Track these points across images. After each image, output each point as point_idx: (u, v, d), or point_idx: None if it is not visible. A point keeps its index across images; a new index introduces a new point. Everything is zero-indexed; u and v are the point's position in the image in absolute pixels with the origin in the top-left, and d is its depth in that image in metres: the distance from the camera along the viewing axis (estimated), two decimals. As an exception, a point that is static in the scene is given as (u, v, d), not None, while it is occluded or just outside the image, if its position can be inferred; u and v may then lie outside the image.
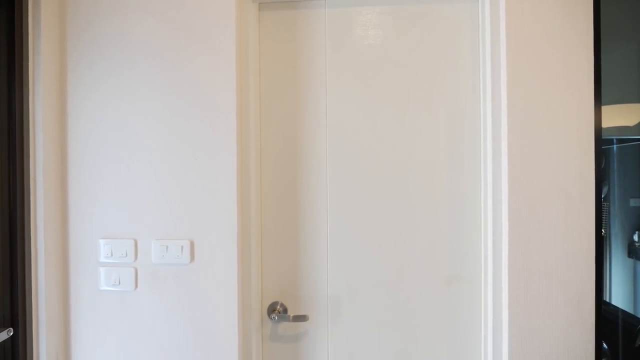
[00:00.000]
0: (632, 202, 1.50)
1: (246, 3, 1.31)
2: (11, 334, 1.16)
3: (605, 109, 1.22)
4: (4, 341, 1.15)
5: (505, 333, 1.19)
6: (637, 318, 1.47)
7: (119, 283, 1.28)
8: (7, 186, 1.19)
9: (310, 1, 1.34)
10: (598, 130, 1.17)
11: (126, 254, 1.28)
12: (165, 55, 1.27)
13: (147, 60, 1.28)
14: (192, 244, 1.26)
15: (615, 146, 1.53)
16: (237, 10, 1.27)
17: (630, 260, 1.51)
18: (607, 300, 1.54)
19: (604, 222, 1.50)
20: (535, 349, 1.17)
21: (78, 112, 1.31)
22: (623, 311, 1.50)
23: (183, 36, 1.27)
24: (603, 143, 1.21)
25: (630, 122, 1.44)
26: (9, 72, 1.19)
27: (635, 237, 1.50)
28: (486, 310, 1.27)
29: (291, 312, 1.34)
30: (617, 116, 1.42)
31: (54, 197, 1.28)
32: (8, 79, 1.19)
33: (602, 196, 1.21)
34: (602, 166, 1.22)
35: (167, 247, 1.26)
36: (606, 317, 1.50)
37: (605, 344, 1.45)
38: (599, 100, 1.17)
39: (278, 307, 1.34)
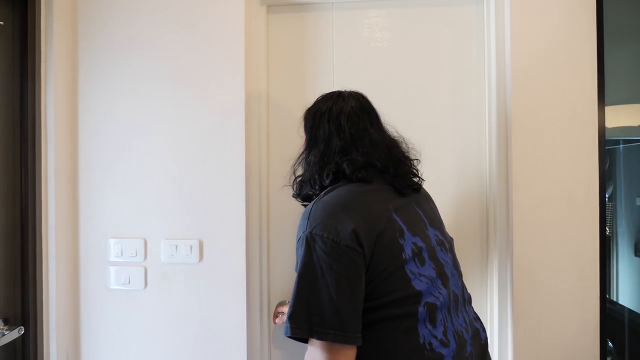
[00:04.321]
0: (639, 202, 1.50)
1: (255, 6, 1.33)
2: (22, 332, 1.16)
3: (610, 110, 1.24)
4: (14, 339, 1.16)
5: (510, 333, 1.20)
6: (644, 317, 1.47)
7: (129, 282, 1.29)
8: (19, 186, 1.21)
9: (318, 4, 1.36)
10: (602, 130, 1.18)
11: (136, 254, 1.29)
12: (175, 58, 1.29)
13: (157, 62, 1.30)
14: (201, 244, 1.28)
15: (621, 146, 1.54)
16: (246, 13, 1.28)
17: (637, 259, 1.51)
18: (614, 299, 1.55)
19: (610, 222, 1.51)
20: (540, 349, 1.18)
21: (89, 113, 1.32)
22: (630, 310, 1.51)
23: (192, 39, 1.29)
24: (609, 143, 1.22)
25: (635, 122, 1.45)
26: (22, 73, 1.21)
27: (642, 236, 1.51)
28: (492, 311, 1.27)
29: (299, 312, 1.35)
30: (622, 116, 1.43)
31: (65, 197, 1.29)
32: (21, 80, 1.21)
33: (608, 196, 1.23)
34: (607, 166, 1.23)
35: (176, 246, 1.28)
36: (612, 316, 1.50)
37: (611, 342, 1.45)
38: (602, 100, 1.19)
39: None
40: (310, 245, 0.77)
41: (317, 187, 0.90)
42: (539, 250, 1.19)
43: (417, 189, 0.96)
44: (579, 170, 1.18)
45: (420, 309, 0.79)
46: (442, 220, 0.99)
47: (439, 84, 1.33)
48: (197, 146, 1.28)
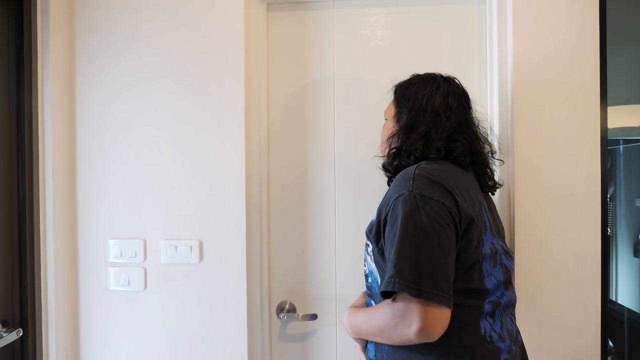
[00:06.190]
0: (638, 202, 1.51)
1: (254, 4, 1.32)
2: (20, 334, 1.16)
3: (611, 110, 1.24)
4: (13, 342, 1.15)
5: (512, 332, 1.20)
6: (643, 316, 1.48)
7: (128, 283, 1.29)
8: (17, 187, 1.19)
9: (319, 2, 1.35)
10: (604, 130, 1.18)
11: (135, 254, 1.28)
12: (174, 56, 1.28)
13: (156, 61, 1.28)
14: (200, 244, 1.27)
15: (621, 147, 1.54)
16: (246, 12, 1.27)
17: (637, 260, 1.52)
18: (614, 299, 1.55)
19: (610, 222, 1.51)
20: (541, 349, 1.18)
21: (87, 113, 1.31)
22: (629, 310, 1.51)
23: (192, 37, 1.27)
24: (610, 143, 1.22)
25: (636, 122, 1.45)
26: (18, 74, 1.19)
27: (642, 237, 1.51)
28: (493, 309, 1.28)
29: (300, 312, 1.35)
30: (623, 117, 1.43)
31: (63, 198, 1.28)
32: (17, 81, 1.19)
33: (608, 196, 1.23)
34: (608, 166, 1.23)
35: (176, 247, 1.27)
36: (612, 315, 1.51)
37: (612, 342, 1.46)
38: (604, 101, 1.19)
39: (287, 306, 1.35)
40: (418, 205, 0.75)
41: (412, 158, 0.90)
42: (540, 249, 1.19)
43: (494, 192, 1.00)
44: (580, 170, 1.18)
45: (486, 305, 0.81)
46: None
47: (440, 83, 1.32)
48: (196, 146, 1.27)
